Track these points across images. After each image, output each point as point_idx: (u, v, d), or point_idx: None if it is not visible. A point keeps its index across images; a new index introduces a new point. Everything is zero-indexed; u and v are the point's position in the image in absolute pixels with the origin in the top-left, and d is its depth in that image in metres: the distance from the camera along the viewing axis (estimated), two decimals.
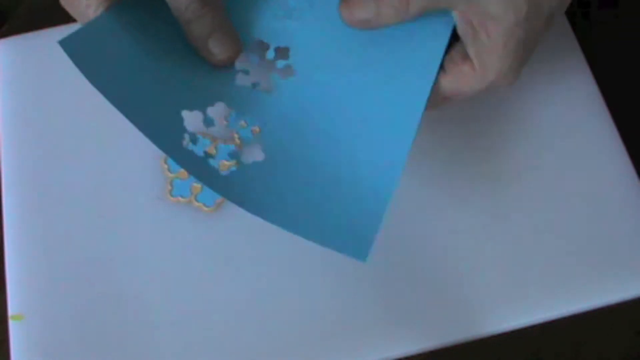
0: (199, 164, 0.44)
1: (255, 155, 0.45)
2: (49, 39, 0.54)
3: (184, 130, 0.44)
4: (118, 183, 0.52)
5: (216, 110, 0.46)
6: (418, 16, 0.44)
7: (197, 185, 0.51)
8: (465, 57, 0.45)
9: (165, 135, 0.43)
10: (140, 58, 0.44)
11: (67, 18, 0.52)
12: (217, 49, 0.45)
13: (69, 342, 0.48)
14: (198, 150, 0.44)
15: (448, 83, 0.45)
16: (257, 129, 0.46)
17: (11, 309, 0.49)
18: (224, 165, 0.50)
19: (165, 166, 0.52)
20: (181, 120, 0.44)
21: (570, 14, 0.56)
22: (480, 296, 0.48)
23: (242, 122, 0.46)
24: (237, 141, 0.47)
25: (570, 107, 0.54)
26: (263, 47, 0.47)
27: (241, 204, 0.43)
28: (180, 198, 0.51)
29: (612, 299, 0.49)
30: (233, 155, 0.46)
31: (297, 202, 0.43)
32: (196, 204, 0.51)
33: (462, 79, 0.45)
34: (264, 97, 0.46)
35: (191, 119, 0.44)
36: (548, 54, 0.54)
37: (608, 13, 0.60)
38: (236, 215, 0.50)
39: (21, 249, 0.51)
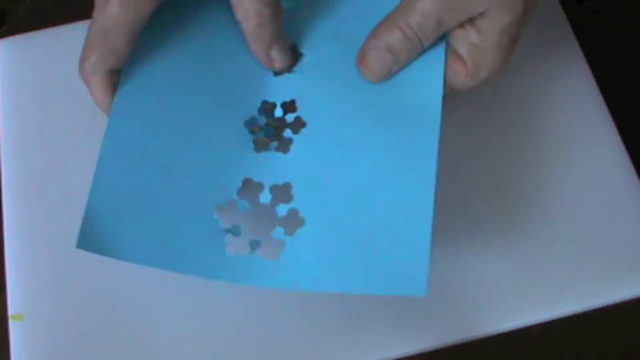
0: (247, 264, 0.43)
1: (296, 223, 0.44)
2: (50, 38, 0.56)
3: (222, 231, 0.43)
4: None
5: (247, 193, 0.44)
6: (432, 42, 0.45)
7: None
8: (457, 56, 0.45)
9: (207, 252, 0.43)
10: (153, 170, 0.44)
11: (67, 18, 0.54)
12: (279, 57, 0.46)
13: (69, 342, 0.48)
14: (243, 245, 0.43)
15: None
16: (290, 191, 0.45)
17: (11, 309, 0.49)
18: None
19: None
20: (215, 221, 0.43)
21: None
22: (479, 296, 0.48)
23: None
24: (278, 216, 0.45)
25: (570, 108, 0.54)
26: (269, 106, 0.47)
27: (296, 285, 0.42)
28: None
29: (613, 299, 0.49)
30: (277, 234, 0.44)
31: (348, 260, 0.42)
32: None
33: (454, 78, 0.45)
34: (285, 158, 0.45)
35: (227, 214, 0.43)
36: (548, 55, 0.54)
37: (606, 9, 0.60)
38: None
39: (21, 248, 0.50)
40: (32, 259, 0.50)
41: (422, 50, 0.45)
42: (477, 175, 0.51)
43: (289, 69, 0.47)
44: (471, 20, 0.44)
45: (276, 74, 0.47)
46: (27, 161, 0.53)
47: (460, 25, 0.44)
